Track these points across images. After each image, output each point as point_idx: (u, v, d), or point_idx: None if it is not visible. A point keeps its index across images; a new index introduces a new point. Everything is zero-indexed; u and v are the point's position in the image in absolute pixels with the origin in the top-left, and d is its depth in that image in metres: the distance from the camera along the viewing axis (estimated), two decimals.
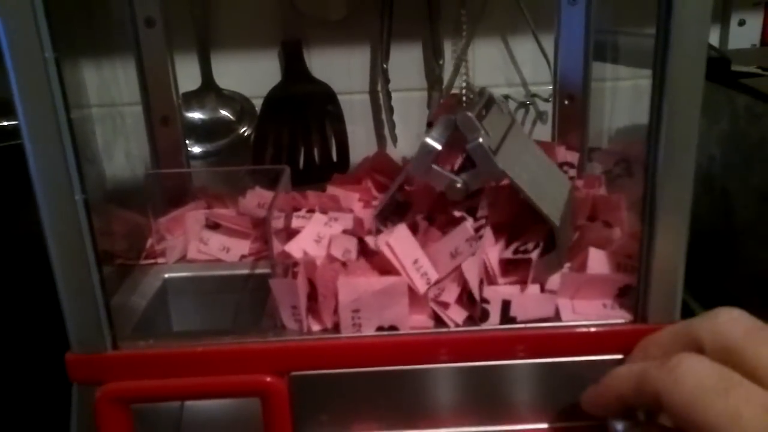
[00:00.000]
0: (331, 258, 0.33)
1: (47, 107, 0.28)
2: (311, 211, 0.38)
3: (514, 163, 0.32)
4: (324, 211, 0.38)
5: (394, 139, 0.65)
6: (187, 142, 0.51)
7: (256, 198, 0.40)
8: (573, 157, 0.41)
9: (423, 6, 0.60)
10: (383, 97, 0.63)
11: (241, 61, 0.60)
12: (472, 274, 0.31)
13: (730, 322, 0.25)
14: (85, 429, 0.33)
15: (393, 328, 0.32)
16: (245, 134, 0.62)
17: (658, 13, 0.27)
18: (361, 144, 0.64)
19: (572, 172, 0.40)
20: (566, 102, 0.44)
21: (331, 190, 0.40)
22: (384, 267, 0.32)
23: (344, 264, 0.33)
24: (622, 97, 0.50)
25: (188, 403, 0.40)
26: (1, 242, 0.51)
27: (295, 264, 0.33)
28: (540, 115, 0.60)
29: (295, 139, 0.61)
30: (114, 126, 0.55)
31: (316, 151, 0.61)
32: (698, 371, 0.24)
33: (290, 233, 0.36)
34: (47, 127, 0.29)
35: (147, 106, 0.43)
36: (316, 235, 0.35)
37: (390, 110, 0.63)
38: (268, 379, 0.32)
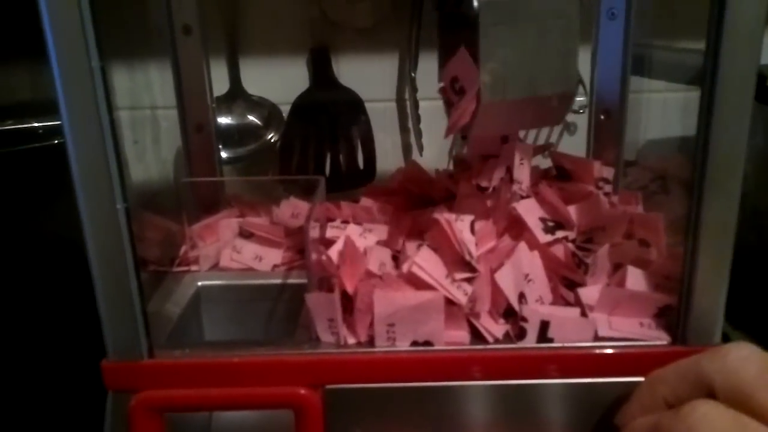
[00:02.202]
0: (367, 271, 0.33)
1: (92, 116, 0.29)
2: (346, 221, 0.38)
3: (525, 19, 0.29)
4: (358, 223, 0.38)
5: (421, 148, 0.65)
6: None
7: (291, 208, 0.40)
8: (609, 172, 0.40)
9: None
10: (411, 106, 0.63)
11: (269, 67, 0.61)
12: (507, 284, 0.31)
13: (739, 362, 0.25)
14: None
15: (428, 343, 0.32)
16: (272, 140, 0.62)
17: (708, 30, 0.27)
18: (386, 152, 0.64)
19: (608, 188, 0.40)
20: (602, 117, 0.43)
21: (365, 201, 0.40)
22: (420, 281, 0.32)
23: (380, 277, 0.33)
24: (656, 110, 0.50)
25: (217, 412, 0.40)
26: (27, 243, 0.52)
27: (331, 276, 0.33)
28: (567, 126, 0.59)
29: (322, 146, 0.62)
30: (145, 132, 0.56)
31: (342, 159, 0.61)
32: (712, 420, 0.23)
33: (325, 243, 0.36)
34: (91, 136, 0.29)
35: (182, 113, 0.44)
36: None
37: (417, 119, 0.63)
38: (303, 391, 0.32)
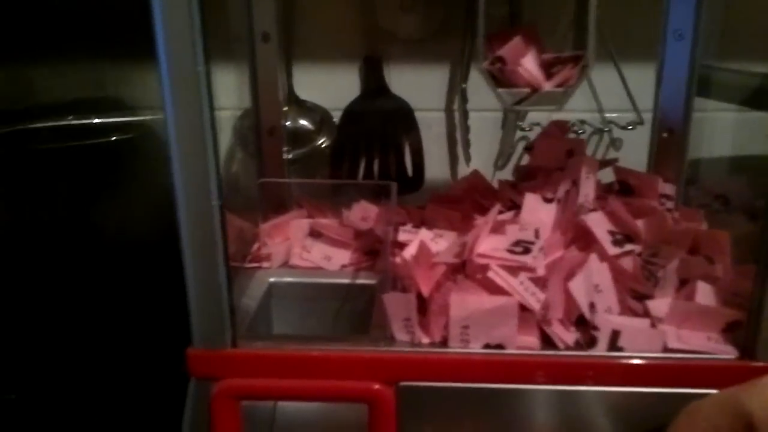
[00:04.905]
0: (443, 274, 0.34)
1: (195, 116, 0.30)
2: (416, 226, 0.39)
3: None
4: (428, 228, 0.39)
5: (468, 159, 0.66)
6: None
7: (361, 211, 0.42)
8: (670, 189, 0.41)
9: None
10: (460, 116, 0.65)
11: (322, 74, 0.62)
12: (580, 293, 0.32)
13: None
14: (198, 421, 0.34)
15: (500, 346, 0.33)
16: (322, 145, 0.63)
17: None
18: (433, 161, 0.65)
19: (670, 204, 0.41)
20: (665, 135, 0.44)
21: (431, 208, 0.42)
22: (492, 285, 0.33)
23: (454, 280, 0.34)
24: (718, 130, 0.50)
25: (281, 402, 0.41)
26: (81, 237, 0.53)
27: (406, 277, 0.34)
28: (613, 142, 0.60)
29: (372, 152, 0.63)
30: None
31: (391, 166, 0.63)
32: None
33: (397, 247, 0.37)
34: (194, 137, 0.31)
35: (257, 117, 0.45)
36: None
37: (466, 129, 0.64)
38: (378, 387, 0.33)
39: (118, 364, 0.51)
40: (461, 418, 0.33)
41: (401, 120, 0.64)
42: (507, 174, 0.61)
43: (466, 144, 0.65)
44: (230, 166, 0.64)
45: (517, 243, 0.33)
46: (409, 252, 0.35)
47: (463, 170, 0.65)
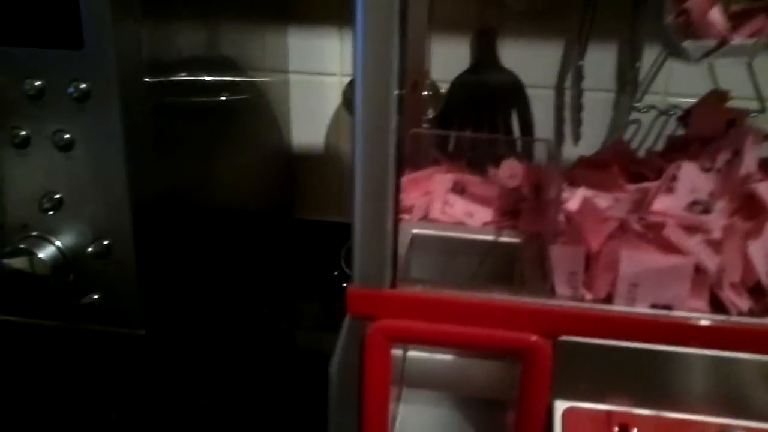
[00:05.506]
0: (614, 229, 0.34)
1: (384, 82, 0.30)
2: (572, 185, 0.39)
3: None
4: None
5: (577, 138, 0.65)
6: None
7: (509, 169, 0.41)
8: None
9: (628, 5, 0.60)
10: (573, 94, 0.64)
11: (433, 45, 0.62)
12: (759, 259, 0.31)
13: None
14: (348, 358, 0.34)
15: (667, 308, 0.32)
16: (429, 116, 0.63)
17: None
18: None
19: None
20: None
21: (579, 171, 0.41)
22: (665, 244, 0.32)
23: (620, 237, 0.33)
24: None
25: (411, 352, 0.41)
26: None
27: (567, 232, 0.34)
28: None
29: (480, 125, 0.63)
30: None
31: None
32: None
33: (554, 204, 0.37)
34: (381, 97, 0.31)
35: (402, 71, 0.45)
36: None
37: (578, 108, 0.63)
38: (536, 339, 0.32)
39: (244, 305, 0.52)
40: (618, 377, 0.33)
41: (512, 95, 0.63)
42: None
43: (577, 122, 0.64)
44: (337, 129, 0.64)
45: (695, 203, 0.32)
46: (572, 206, 0.35)
47: (569, 149, 0.65)
